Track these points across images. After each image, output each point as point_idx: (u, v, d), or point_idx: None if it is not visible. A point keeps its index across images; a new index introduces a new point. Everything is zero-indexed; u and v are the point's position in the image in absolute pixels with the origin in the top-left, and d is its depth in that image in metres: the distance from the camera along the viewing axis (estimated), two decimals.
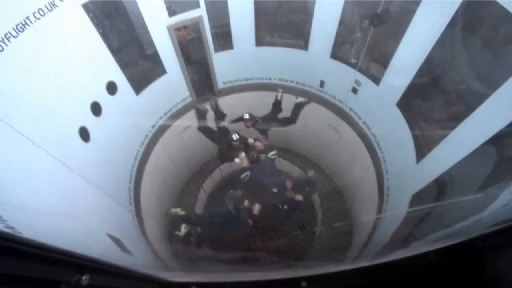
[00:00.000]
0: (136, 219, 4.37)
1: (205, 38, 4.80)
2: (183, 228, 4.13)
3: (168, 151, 5.51)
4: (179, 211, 4.22)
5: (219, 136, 4.94)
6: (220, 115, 5.08)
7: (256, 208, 4.20)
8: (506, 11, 2.50)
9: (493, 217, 2.21)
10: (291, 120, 5.17)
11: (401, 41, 3.63)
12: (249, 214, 4.20)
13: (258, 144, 4.65)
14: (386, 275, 1.25)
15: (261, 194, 4.34)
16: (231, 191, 4.14)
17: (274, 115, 5.15)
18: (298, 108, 5.03)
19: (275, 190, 4.36)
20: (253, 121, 4.83)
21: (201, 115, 4.96)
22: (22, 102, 2.52)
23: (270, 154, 4.44)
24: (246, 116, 4.73)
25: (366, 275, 1.31)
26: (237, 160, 4.76)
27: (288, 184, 4.34)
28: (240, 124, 5.02)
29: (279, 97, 4.93)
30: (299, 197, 4.50)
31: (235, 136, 4.51)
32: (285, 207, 4.53)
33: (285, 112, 5.46)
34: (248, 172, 4.26)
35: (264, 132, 5.12)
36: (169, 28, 4.33)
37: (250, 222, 4.16)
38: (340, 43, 4.64)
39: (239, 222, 4.08)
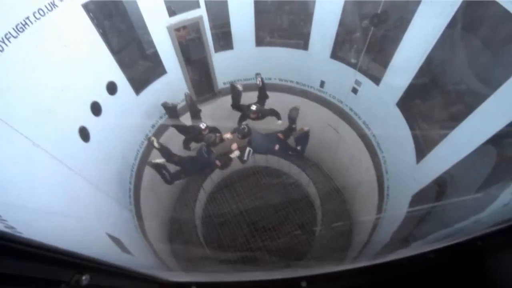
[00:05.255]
0: (136, 219, 4.37)
1: (205, 38, 4.80)
2: (159, 160, 4.45)
3: None
4: (155, 144, 4.43)
5: (193, 131, 4.84)
6: (195, 110, 4.97)
7: (234, 152, 4.34)
8: (506, 11, 2.50)
9: (493, 217, 2.21)
10: (264, 97, 5.11)
11: (401, 41, 3.63)
12: (216, 157, 4.44)
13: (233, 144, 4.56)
14: (386, 275, 1.25)
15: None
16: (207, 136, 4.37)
17: (262, 104, 5.04)
18: (262, 89, 5.00)
19: (277, 147, 4.54)
20: (259, 114, 4.73)
21: (172, 113, 4.87)
22: (22, 102, 2.52)
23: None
24: (254, 107, 4.59)
25: (366, 275, 1.31)
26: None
27: (280, 135, 4.59)
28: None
29: (260, 83, 4.88)
30: (305, 128, 4.72)
31: (203, 125, 4.52)
32: (290, 153, 4.79)
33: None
34: (249, 149, 4.34)
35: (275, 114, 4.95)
36: (169, 28, 4.33)
37: (217, 163, 4.41)
38: (340, 43, 4.65)
39: (208, 162, 4.41)
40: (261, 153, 4.76)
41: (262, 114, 4.78)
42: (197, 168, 4.60)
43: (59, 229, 2.32)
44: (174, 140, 5.48)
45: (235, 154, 4.31)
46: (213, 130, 4.71)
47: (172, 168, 4.72)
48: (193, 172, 4.71)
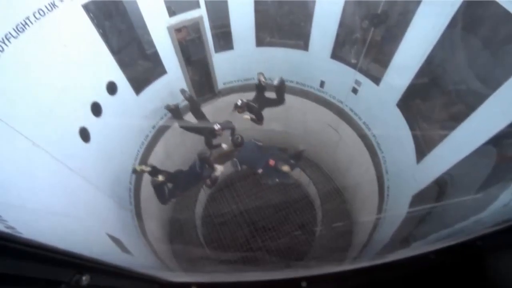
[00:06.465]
0: (136, 219, 4.37)
1: (205, 38, 4.80)
2: (161, 177, 4.29)
3: (168, 152, 5.52)
4: (144, 168, 4.33)
5: (200, 128, 4.93)
6: (194, 105, 4.99)
7: (218, 169, 4.39)
8: (506, 11, 2.50)
9: (493, 217, 2.21)
10: (278, 101, 5.06)
11: (401, 41, 3.63)
12: (210, 173, 4.44)
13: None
14: (387, 275, 1.25)
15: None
16: (201, 151, 4.36)
17: (261, 97, 5.05)
18: (278, 89, 4.93)
19: (260, 171, 4.48)
20: (246, 107, 4.81)
21: (175, 113, 4.91)
22: (22, 102, 2.52)
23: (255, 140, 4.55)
24: (239, 102, 4.72)
25: (366, 275, 1.31)
26: (224, 145, 5.01)
27: (271, 162, 4.46)
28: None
29: (262, 81, 4.81)
30: (285, 168, 4.56)
31: (216, 126, 4.60)
32: (277, 180, 4.69)
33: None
34: (235, 159, 4.39)
35: (259, 118, 5.00)
36: (169, 29, 4.33)
37: (207, 181, 4.51)
38: (340, 44, 4.64)
39: (199, 178, 4.41)
40: (245, 165, 4.69)
41: (249, 109, 4.83)
42: (191, 183, 4.60)
43: (59, 229, 2.32)
44: (174, 140, 5.49)
45: (219, 171, 4.38)
46: (228, 125, 4.79)
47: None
48: (186, 188, 4.69)
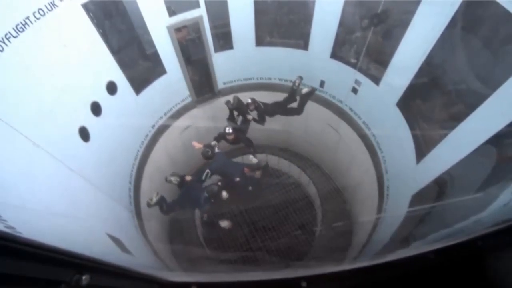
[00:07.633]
0: (136, 219, 4.37)
1: (205, 38, 4.80)
2: (155, 197, 4.38)
3: (168, 151, 5.52)
4: (173, 180, 4.52)
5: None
6: (233, 113, 5.15)
7: (224, 194, 4.50)
8: (506, 11, 2.50)
9: (493, 217, 2.21)
10: (297, 111, 5.21)
11: (401, 41, 3.63)
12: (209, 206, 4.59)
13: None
14: (386, 275, 1.25)
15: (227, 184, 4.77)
16: (208, 185, 4.46)
17: (285, 103, 5.18)
18: (304, 98, 5.08)
19: (237, 179, 4.60)
20: (255, 105, 4.91)
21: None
22: (22, 102, 2.52)
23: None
24: (249, 100, 4.83)
25: (366, 275, 1.31)
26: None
27: (246, 170, 4.70)
28: None
29: (295, 86, 4.97)
30: (258, 174, 4.90)
31: (228, 129, 4.70)
32: (250, 188, 4.91)
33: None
34: (208, 171, 4.43)
35: (262, 119, 5.17)
36: (169, 28, 4.33)
37: (205, 216, 4.64)
38: (340, 43, 4.64)
39: (198, 207, 4.58)
40: (220, 176, 4.82)
41: (257, 107, 4.94)
42: (187, 206, 4.76)
43: (59, 229, 2.32)
44: (174, 139, 5.49)
45: (227, 224, 4.61)
46: (239, 130, 4.89)
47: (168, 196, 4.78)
48: (183, 208, 4.83)
